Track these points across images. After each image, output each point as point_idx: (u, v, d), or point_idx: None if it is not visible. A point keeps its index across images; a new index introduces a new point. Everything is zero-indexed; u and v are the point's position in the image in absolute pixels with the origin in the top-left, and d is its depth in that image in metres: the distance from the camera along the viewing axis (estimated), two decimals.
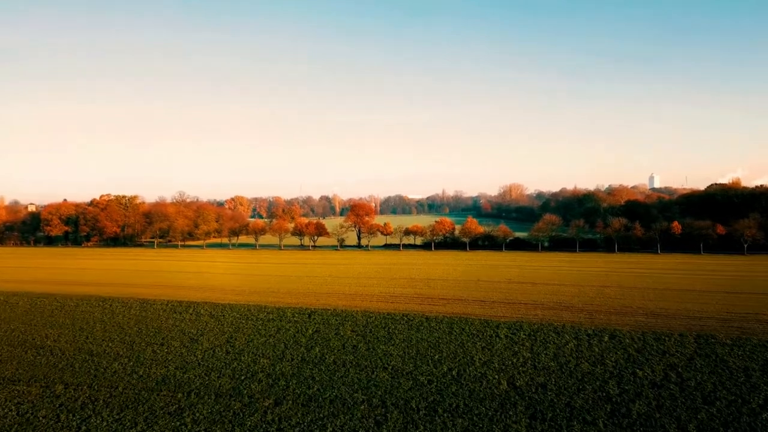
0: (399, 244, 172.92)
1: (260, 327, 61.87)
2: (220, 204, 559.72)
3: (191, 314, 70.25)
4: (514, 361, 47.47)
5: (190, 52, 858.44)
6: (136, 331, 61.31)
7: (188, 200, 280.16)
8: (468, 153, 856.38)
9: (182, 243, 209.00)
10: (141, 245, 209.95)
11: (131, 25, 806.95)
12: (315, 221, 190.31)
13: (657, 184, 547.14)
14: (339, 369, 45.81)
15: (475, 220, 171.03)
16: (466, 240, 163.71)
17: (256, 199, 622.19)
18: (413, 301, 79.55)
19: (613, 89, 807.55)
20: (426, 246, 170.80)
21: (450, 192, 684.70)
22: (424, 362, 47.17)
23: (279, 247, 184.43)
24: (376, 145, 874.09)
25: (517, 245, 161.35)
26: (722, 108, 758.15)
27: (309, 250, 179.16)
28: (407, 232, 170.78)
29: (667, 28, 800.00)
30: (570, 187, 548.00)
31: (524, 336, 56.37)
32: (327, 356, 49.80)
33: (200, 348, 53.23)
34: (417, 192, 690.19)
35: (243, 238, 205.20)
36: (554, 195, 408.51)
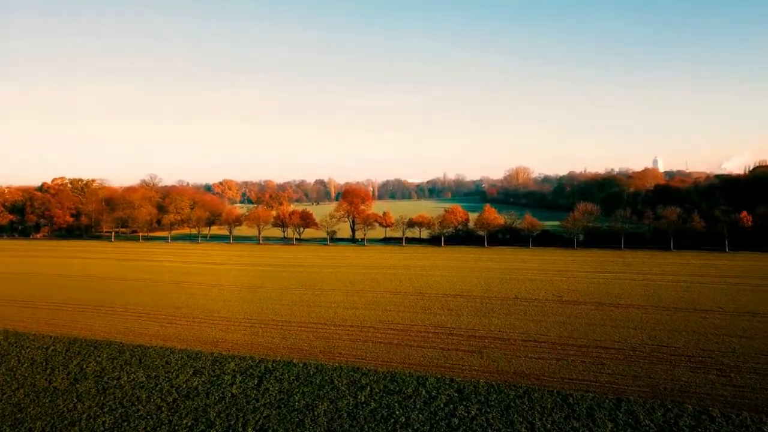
0: (401, 238, 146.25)
1: (164, 416, 35.20)
2: (208, 188, 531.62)
3: (62, 375, 43.73)
4: None
5: (183, 36, 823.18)
6: None
7: (161, 184, 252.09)
8: (467, 136, 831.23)
9: (147, 234, 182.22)
10: (98, 237, 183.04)
11: (121, 10, 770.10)
12: (300, 210, 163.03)
13: (661, 168, 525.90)
14: None
15: (493, 209, 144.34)
16: (482, 233, 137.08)
17: (246, 183, 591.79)
18: (430, 341, 53.22)
19: (614, 73, 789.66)
20: (434, 240, 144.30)
21: (451, 176, 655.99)
22: None
23: (257, 241, 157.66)
24: (374, 127, 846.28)
25: (545, 240, 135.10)
26: (723, 92, 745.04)
27: (293, 244, 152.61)
28: (411, 224, 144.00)
29: (669, 12, 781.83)
30: (574, 170, 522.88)
31: None
32: None
33: None
34: (416, 176, 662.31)
35: (217, 229, 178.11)
36: (569, 179, 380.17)
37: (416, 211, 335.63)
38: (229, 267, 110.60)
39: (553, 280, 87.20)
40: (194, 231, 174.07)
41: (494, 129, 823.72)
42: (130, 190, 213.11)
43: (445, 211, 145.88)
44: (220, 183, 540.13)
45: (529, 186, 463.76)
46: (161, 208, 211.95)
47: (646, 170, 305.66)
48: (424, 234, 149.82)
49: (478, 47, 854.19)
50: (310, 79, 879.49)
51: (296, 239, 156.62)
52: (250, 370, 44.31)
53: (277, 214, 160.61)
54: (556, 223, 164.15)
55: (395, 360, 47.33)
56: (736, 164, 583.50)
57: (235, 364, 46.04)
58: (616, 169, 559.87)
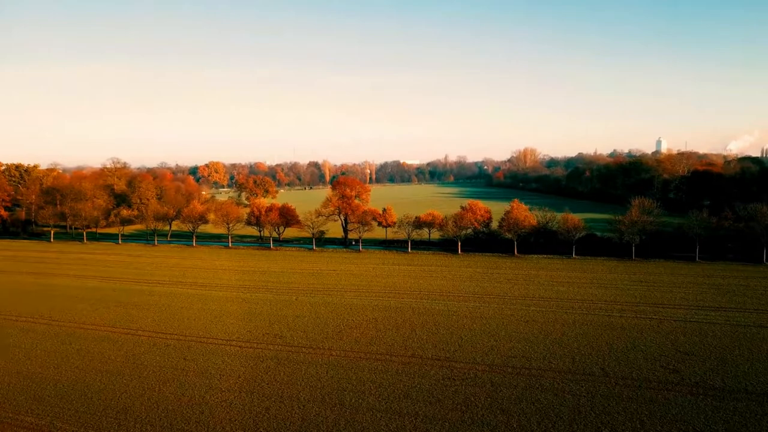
0: (406, 240, 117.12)
1: None
2: (193, 172, 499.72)
3: None
4: None
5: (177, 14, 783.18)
6: None
7: (126, 168, 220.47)
8: (468, 117, 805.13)
9: (96, 231, 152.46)
10: (38, 235, 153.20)
11: None
12: (279, 205, 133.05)
13: (664, 148, 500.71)
14: None
15: (522, 204, 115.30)
16: (510, 237, 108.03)
17: (234, 166, 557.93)
18: None
19: (614, 52, 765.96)
20: (447, 244, 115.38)
21: (452, 157, 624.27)
22: None
23: (227, 243, 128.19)
24: (371, 107, 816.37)
25: (591, 246, 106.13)
26: (727, 73, 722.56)
27: (269, 248, 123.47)
28: (419, 224, 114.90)
29: None
30: (570, 152, 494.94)
31: None
32: None
33: None
34: (416, 156, 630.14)
35: (184, 226, 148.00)
36: (586, 163, 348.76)
37: (417, 196, 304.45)
38: (165, 292, 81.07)
39: (640, 326, 58.35)
40: (159, 227, 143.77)
41: (493, 110, 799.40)
42: (82, 177, 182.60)
43: (462, 208, 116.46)
44: (207, 165, 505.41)
45: (538, 169, 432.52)
46: (122, 199, 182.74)
47: (678, 153, 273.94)
48: (434, 234, 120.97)
49: (477, 28, 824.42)
50: (304, 58, 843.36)
51: (274, 241, 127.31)
52: None
53: (251, 210, 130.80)
54: (590, 216, 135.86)
55: None
56: (744, 144, 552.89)
57: None
58: (626, 151, 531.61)
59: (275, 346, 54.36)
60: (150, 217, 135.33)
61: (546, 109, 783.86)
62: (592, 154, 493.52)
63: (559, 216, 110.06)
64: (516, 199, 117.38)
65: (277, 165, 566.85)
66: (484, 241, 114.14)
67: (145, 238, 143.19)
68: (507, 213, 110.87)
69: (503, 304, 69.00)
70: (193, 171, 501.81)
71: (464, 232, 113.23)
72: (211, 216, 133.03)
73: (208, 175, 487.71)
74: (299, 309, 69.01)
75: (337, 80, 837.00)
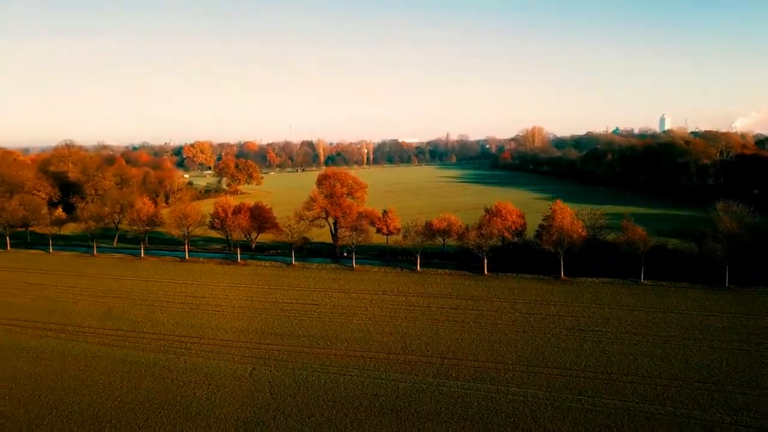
0: (414, 252, 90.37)
1: None
2: (178, 152, 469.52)
3: None
4: None
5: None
6: None
7: (88, 150, 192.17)
8: (468, 94, 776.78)
9: (30, 230, 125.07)
10: None
11: None
12: (251, 204, 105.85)
13: (668, 126, 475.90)
14: None
15: (567, 207, 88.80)
16: (553, 249, 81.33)
17: (222, 146, 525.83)
18: None
19: (615, 32, 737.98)
20: (465, 257, 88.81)
21: (454, 136, 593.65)
22: None
23: (182, 255, 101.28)
24: (369, 84, 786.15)
25: (661, 263, 79.77)
26: (729, 53, 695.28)
27: (236, 262, 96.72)
28: (430, 232, 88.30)
29: None
30: (578, 132, 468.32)
31: None
32: None
33: None
34: (415, 134, 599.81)
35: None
36: (606, 143, 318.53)
37: (419, 181, 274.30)
38: (59, 351, 54.32)
39: None
40: (109, 226, 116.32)
41: (494, 87, 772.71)
42: (22, 163, 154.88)
43: (487, 211, 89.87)
44: (192, 146, 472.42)
45: (547, 150, 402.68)
46: (75, 190, 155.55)
47: (716, 133, 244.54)
48: (449, 241, 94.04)
49: (479, 5, 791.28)
50: (298, 33, 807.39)
51: (244, 250, 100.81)
52: None
53: (215, 210, 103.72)
54: (627, 210, 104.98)
55: None
56: (750, 121, 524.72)
57: None
58: (629, 128, 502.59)
59: None
60: (87, 219, 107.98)
61: (547, 87, 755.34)
62: (602, 132, 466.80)
63: (617, 209, 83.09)
64: (559, 200, 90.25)
65: (268, 144, 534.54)
66: (514, 254, 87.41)
67: (87, 242, 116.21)
68: (548, 219, 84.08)
69: (577, 392, 42.92)
70: (178, 152, 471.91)
71: (490, 241, 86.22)
72: (164, 214, 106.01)
73: (193, 156, 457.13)
74: (252, 400, 42.97)
75: (336, 56, 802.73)
